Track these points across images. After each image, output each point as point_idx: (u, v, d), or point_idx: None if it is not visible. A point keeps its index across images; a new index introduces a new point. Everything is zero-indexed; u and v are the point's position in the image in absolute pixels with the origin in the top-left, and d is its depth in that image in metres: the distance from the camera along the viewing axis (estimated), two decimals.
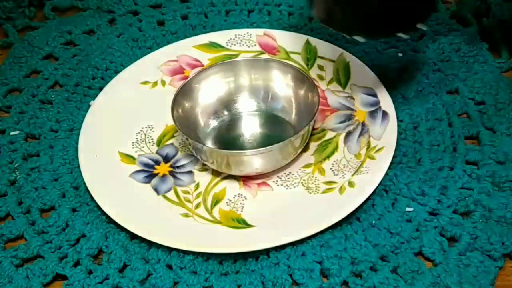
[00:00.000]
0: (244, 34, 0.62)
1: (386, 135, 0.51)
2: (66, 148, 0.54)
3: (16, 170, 0.53)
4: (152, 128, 0.55)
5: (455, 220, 0.47)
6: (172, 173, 0.52)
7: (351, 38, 0.49)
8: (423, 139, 0.52)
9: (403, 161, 0.51)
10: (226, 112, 0.56)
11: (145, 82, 0.59)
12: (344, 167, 0.51)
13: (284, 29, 0.63)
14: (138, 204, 0.49)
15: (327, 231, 0.46)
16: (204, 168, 0.52)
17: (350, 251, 0.45)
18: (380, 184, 0.48)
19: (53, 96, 0.59)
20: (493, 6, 0.61)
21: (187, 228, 0.47)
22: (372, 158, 0.50)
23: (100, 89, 0.58)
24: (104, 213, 0.48)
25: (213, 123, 0.55)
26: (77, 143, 0.53)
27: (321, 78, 0.58)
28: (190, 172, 0.52)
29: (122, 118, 0.56)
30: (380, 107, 0.53)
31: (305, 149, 0.53)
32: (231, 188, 0.51)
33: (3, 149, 0.55)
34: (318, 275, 0.44)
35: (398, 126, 0.52)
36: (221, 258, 0.46)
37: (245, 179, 0.51)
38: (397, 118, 0.53)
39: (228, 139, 0.54)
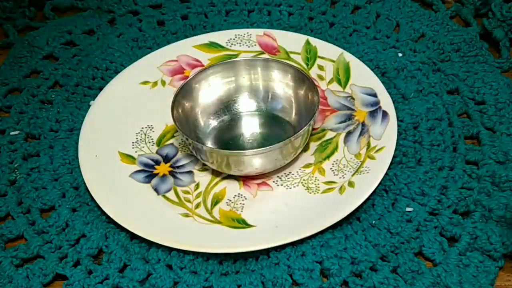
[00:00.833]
0: (244, 34, 0.62)
1: (386, 135, 0.51)
2: (66, 148, 0.55)
3: (16, 170, 0.53)
4: (152, 128, 0.55)
5: (455, 220, 0.47)
6: (172, 173, 0.52)
7: None
8: (423, 139, 0.52)
9: (403, 161, 0.51)
10: (226, 112, 0.56)
11: (145, 82, 0.59)
12: (344, 167, 0.51)
13: (284, 29, 0.63)
14: (138, 204, 0.49)
15: (327, 231, 0.46)
16: (204, 168, 0.52)
17: (350, 251, 0.45)
18: (380, 184, 0.48)
19: (53, 96, 0.59)
20: (493, 6, 0.61)
21: (187, 228, 0.47)
22: (372, 158, 0.50)
23: (100, 89, 0.58)
24: (104, 213, 0.48)
25: (213, 123, 0.55)
26: (77, 143, 0.53)
27: (321, 78, 0.58)
28: (190, 172, 0.52)
29: (122, 118, 0.56)
30: (380, 107, 0.53)
31: (305, 149, 0.53)
32: (231, 188, 0.51)
33: (3, 149, 0.55)
34: (318, 275, 0.44)
35: (398, 126, 0.52)
36: (221, 258, 0.46)
37: (245, 179, 0.51)
38: (397, 118, 0.53)
39: (228, 139, 0.54)
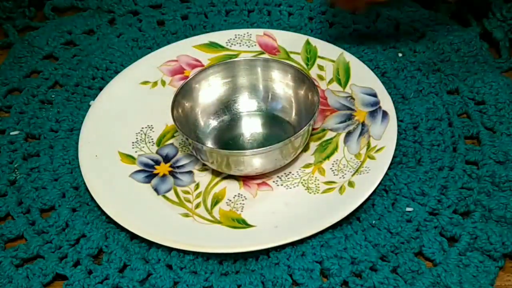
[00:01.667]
0: (244, 34, 0.62)
1: (386, 135, 0.51)
2: (66, 148, 0.54)
3: (16, 170, 0.53)
4: (152, 128, 0.55)
5: (455, 220, 0.47)
6: (172, 173, 0.52)
7: None
8: (423, 139, 0.52)
9: (403, 161, 0.51)
10: (226, 112, 0.56)
11: (145, 82, 0.59)
12: (344, 167, 0.51)
13: (284, 29, 0.63)
14: (138, 204, 0.49)
15: (327, 231, 0.46)
16: (204, 168, 0.52)
17: (350, 251, 0.45)
18: (380, 184, 0.48)
19: (53, 96, 0.59)
20: (493, 6, 0.61)
21: (187, 228, 0.47)
22: (372, 158, 0.50)
23: (100, 89, 0.58)
24: (104, 213, 0.48)
25: (213, 123, 0.55)
26: (77, 143, 0.53)
27: (321, 78, 0.58)
28: (190, 172, 0.52)
29: (122, 118, 0.56)
30: (380, 107, 0.53)
31: (305, 149, 0.53)
32: (231, 188, 0.51)
33: (3, 149, 0.55)
34: (318, 275, 0.44)
35: (398, 126, 0.52)
36: (221, 258, 0.46)
37: (245, 179, 0.51)
38: (397, 118, 0.53)
39: (228, 139, 0.54)
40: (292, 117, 0.55)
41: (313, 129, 0.54)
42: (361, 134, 0.53)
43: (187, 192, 0.51)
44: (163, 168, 0.52)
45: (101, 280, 0.45)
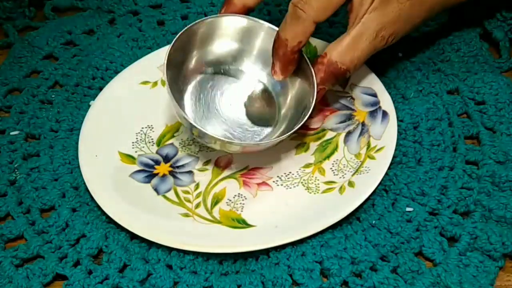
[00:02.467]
0: None
1: (386, 135, 0.51)
2: (66, 148, 0.55)
3: (16, 170, 0.53)
4: (152, 128, 0.55)
5: (455, 220, 0.47)
6: (172, 173, 0.52)
7: None
8: (423, 139, 0.52)
9: (403, 161, 0.51)
10: (224, 66, 0.54)
11: (145, 82, 0.59)
12: (344, 167, 0.51)
13: None
14: (138, 204, 0.49)
15: (327, 231, 0.46)
16: (204, 168, 0.52)
17: (350, 251, 0.45)
18: (380, 184, 0.48)
19: (53, 96, 0.60)
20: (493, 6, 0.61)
21: (187, 228, 0.47)
22: (372, 158, 0.50)
23: (100, 89, 0.58)
24: (104, 213, 0.48)
25: (209, 71, 0.54)
26: (77, 143, 0.53)
27: None
28: (190, 172, 0.52)
29: (122, 118, 0.56)
30: (380, 107, 0.53)
31: (305, 149, 0.53)
32: (231, 188, 0.51)
33: (3, 149, 0.55)
34: (318, 275, 0.44)
35: (398, 126, 0.52)
36: (221, 258, 0.46)
37: (245, 179, 0.51)
38: (397, 118, 0.53)
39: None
40: (285, 103, 0.53)
41: (313, 129, 0.54)
42: (361, 134, 0.53)
43: (187, 192, 0.51)
44: (163, 168, 0.52)
45: (101, 280, 0.45)
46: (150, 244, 0.47)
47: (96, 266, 0.46)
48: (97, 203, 0.49)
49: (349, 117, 0.54)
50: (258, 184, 0.51)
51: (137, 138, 0.55)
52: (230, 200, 0.50)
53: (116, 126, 0.55)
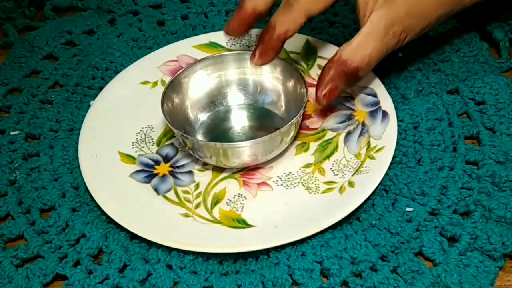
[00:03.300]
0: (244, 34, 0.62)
1: (386, 135, 0.51)
2: (66, 148, 0.55)
3: (16, 170, 0.53)
4: (152, 128, 0.55)
5: (455, 220, 0.47)
6: (172, 173, 0.52)
7: None
8: (423, 139, 0.52)
9: (403, 161, 0.51)
10: (215, 106, 0.56)
11: (145, 82, 0.59)
12: (344, 167, 0.51)
13: None
14: (138, 204, 0.49)
15: (327, 231, 0.46)
16: (204, 168, 0.52)
17: (350, 251, 0.45)
18: (380, 184, 0.48)
19: (53, 96, 0.60)
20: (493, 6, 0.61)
21: (187, 228, 0.47)
22: (372, 158, 0.50)
23: (100, 89, 0.58)
24: (104, 213, 0.48)
25: (203, 117, 0.55)
26: (77, 143, 0.53)
27: None
28: (190, 172, 0.52)
29: (122, 118, 0.56)
30: (380, 107, 0.53)
31: (305, 149, 0.53)
32: (231, 188, 0.51)
33: (3, 149, 0.55)
34: (318, 275, 0.44)
35: (398, 126, 0.52)
36: (221, 258, 0.46)
37: (245, 179, 0.51)
38: (397, 118, 0.53)
39: (218, 132, 0.54)
40: (281, 110, 0.55)
41: (313, 129, 0.54)
42: (361, 134, 0.53)
43: (187, 192, 0.51)
44: (163, 168, 0.52)
45: (101, 280, 0.45)
46: (150, 244, 0.47)
47: (96, 266, 0.46)
48: (97, 203, 0.49)
49: (349, 117, 0.54)
50: (258, 184, 0.51)
51: (137, 138, 0.55)
52: (230, 200, 0.50)
53: (116, 126, 0.55)
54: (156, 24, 0.66)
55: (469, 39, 0.60)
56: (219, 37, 0.62)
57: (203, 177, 0.52)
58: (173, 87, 0.54)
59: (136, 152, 0.54)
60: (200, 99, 0.56)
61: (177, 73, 0.54)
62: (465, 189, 0.49)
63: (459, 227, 0.46)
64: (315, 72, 0.58)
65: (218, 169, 0.52)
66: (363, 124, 0.53)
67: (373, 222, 0.47)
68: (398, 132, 0.52)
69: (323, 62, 0.58)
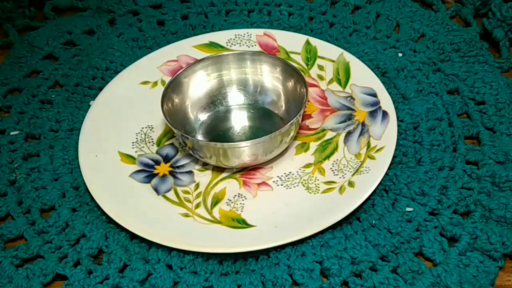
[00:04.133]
0: (244, 34, 0.62)
1: (386, 135, 0.51)
2: (66, 148, 0.55)
3: (16, 170, 0.53)
4: (152, 128, 0.55)
5: (455, 220, 0.47)
6: (172, 173, 0.52)
7: None
8: (423, 139, 0.52)
9: (403, 161, 0.51)
10: (215, 106, 0.56)
11: (145, 82, 0.59)
12: (344, 167, 0.51)
13: (284, 29, 0.63)
14: (138, 204, 0.49)
15: (327, 231, 0.46)
16: (204, 168, 0.52)
17: (350, 251, 0.45)
18: (380, 184, 0.48)
19: (53, 96, 0.60)
20: (493, 6, 0.61)
21: (187, 228, 0.47)
22: (372, 158, 0.50)
23: (100, 89, 0.58)
24: (104, 213, 0.48)
25: (203, 117, 0.55)
26: (77, 143, 0.53)
27: (321, 78, 0.58)
28: (190, 172, 0.52)
29: (122, 118, 0.56)
30: (380, 107, 0.53)
31: (305, 149, 0.53)
32: (231, 188, 0.51)
33: (3, 149, 0.55)
34: (318, 275, 0.44)
35: (398, 126, 0.52)
36: (221, 258, 0.46)
37: (245, 179, 0.51)
38: (397, 118, 0.53)
39: (218, 132, 0.54)
40: (281, 110, 0.55)
41: (313, 129, 0.54)
42: (361, 134, 0.53)
43: (187, 192, 0.51)
44: (163, 168, 0.52)
45: (101, 280, 0.45)
46: (150, 244, 0.47)
47: (96, 266, 0.46)
48: (97, 203, 0.49)
49: (349, 117, 0.54)
50: (258, 184, 0.51)
51: (137, 138, 0.55)
52: (230, 200, 0.50)
53: (116, 126, 0.55)
54: (156, 24, 0.66)
55: (469, 39, 0.60)
56: (219, 37, 0.62)
57: (203, 177, 0.52)
58: (173, 87, 0.54)
59: (136, 152, 0.54)
60: (200, 99, 0.56)
61: (177, 73, 0.54)
62: (465, 189, 0.49)
63: (459, 227, 0.46)
64: (315, 72, 0.58)
65: (218, 169, 0.52)
66: (363, 124, 0.53)
67: (373, 222, 0.47)
68: (398, 132, 0.52)
69: (323, 62, 0.59)
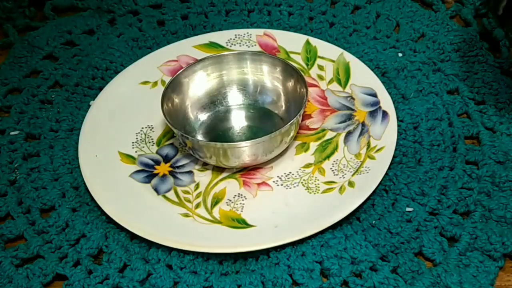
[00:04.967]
0: (244, 34, 0.62)
1: (386, 135, 0.51)
2: (66, 148, 0.55)
3: (16, 170, 0.53)
4: (152, 128, 0.55)
5: (455, 220, 0.47)
6: (172, 173, 0.52)
7: None
8: (423, 139, 0.52)
9: (403, 161, 0.51)
10: (215, 106, 0.56)
11: (145, 82, 0.59)
12: (344, 167, 0.51)
13: (284, 29, 0.63)
14: (138, 204, 0.49)
15: (327, 231, 0.46)
16: (204, 168, 0.52)
17: (350, 251, 0.45)
18: (380, 184, 0.48)
19: (53, 96, 0.59)
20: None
21: (187, 228, 0.47)
22: (372, 158, 0.50)
23: (100, 89, 0.58)
24: (104, 213, 0.48)
25: (203, 117, 0.55)
26: (77, 143, 0.53)
27: (321, 78, 0.58)
28: (190, 172, 0.52)
29: (122, 118, 0.56)
30: (380, 107, 0.53)
31: (305, 149, 0.53)
32: (231, 188, 0.51)
33: (3, 149, 0.55)
34: (318, 275, 0.44)
35: (398, 126, 0.52)
36: (221, 258, 0.46)
37: (245, 179, 0.51)
38: (397, 118, 0.53)
39: (218, 132, 0.54)
40: (281, 110, 0.55)
41: (313, 129, 0.54)
42: (361, 134, 0.53)
43: (187, 192, 0.51)
44: (163, 168, 0.52)
45: (101, 280, 0.45)
46: (150, 244, 0.47)
47: (96, 266, 0.46)
48: (97, 203, 0.49)
49: (349, 117, 0.54)
50: (258, 184, 0.51)
51: (137, 138, 0.55)
52: (230, 200, 0.50)
53: (116, 126, 0.55)
54: (156, 24, 0.66)
55: (469, 39, 0.60)
56: (219, 37, 0.62)
57: (203, 177, 0.52)
58: (173, 87, 0.54)
59: (136, 152, 0.54)
60: (200, 99, 0.56)
61: (177, 73, 0.55)
62: (465, 189, 0.49)
63: (459, 227, 0.46)
64: (315, 72, 0.58)
65: (218, 169, 0.52)
66: (363, 124, 0.53)
67: (373, 222, 0.47)
68: (398, 132, 0.52)
69: (323, 62, 0.59)
